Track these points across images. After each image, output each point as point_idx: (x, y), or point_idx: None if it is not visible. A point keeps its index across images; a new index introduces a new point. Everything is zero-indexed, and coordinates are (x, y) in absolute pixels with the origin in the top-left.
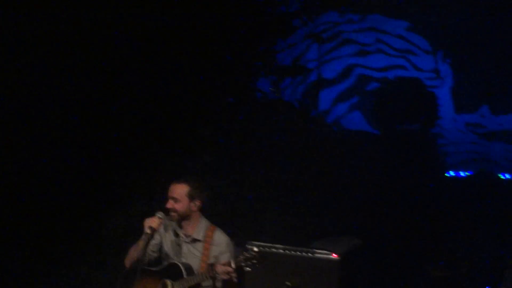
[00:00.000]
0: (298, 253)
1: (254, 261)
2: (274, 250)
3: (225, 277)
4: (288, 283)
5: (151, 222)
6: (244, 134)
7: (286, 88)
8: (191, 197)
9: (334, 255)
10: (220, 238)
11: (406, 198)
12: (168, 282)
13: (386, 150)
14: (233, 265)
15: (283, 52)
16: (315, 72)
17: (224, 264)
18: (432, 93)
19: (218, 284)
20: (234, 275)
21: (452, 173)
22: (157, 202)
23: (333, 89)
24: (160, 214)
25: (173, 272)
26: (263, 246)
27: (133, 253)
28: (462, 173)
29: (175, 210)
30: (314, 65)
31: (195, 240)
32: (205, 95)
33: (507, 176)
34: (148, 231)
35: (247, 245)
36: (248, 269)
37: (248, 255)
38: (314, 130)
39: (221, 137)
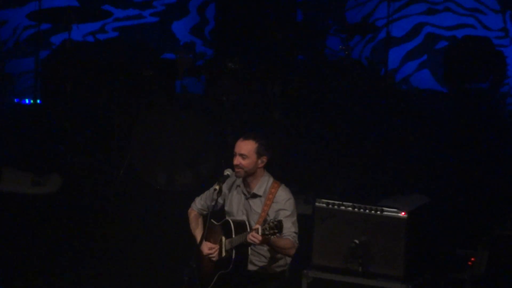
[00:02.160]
0: (367, 210)
1: (276, 231)
2: (342, 207)
3: (251, 238)
4: (356, 240)
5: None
6: (313, 91)
7: (355, 46)
8: (258, 154)
9: (402, 213)
10: (281, 195)
11: (474, 157)
12: (223, 239)
13: (454, 108)
14: (260, 231)
15: (353, 10)
16: (384, 30)
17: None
18: (500, 52)
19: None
20: (258, 240)
21: None
22: (225, 159)
23: (402, 47)
24: (228, 171)
25: (227, 229)
26: (332, 204)
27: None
28: None
29: (242, 166)
30: (383, 23)
31: (255, 196)
32: (276, 53)
33: None
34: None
35: (316, 202)
36: (272, 236)
37: (271, 225)
38: (383, 88)
39: (290, 95)
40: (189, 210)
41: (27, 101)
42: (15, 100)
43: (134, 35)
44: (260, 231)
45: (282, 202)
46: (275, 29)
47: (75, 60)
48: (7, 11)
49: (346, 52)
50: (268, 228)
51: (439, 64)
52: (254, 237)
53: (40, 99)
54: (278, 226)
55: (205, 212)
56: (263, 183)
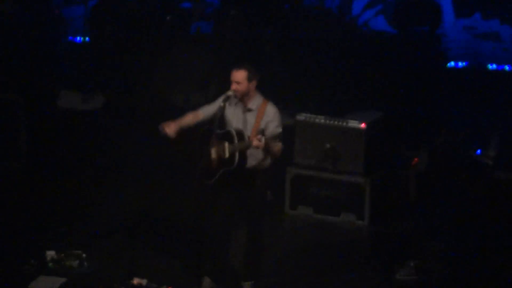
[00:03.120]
0: (336, 122)
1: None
2: (317, 120)
3: (256, 143)
4: (328, 145)
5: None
6: (295, 32)
7: None
8: (249, 79)
9: (362, 124)
10: (270, 110)
11: (418, 81)
12: (226, 144)
13: (403, 46)
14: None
15: None
16: None
17: (259, 134)
18: (437, 2)
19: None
20: (261, 142)
21: (452, 63)
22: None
23: None
24: (230, 92)
25: (229, 136)
26: (309, 117)
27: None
28: (460, 63)
29: (237, 90)
30: None
31: (250, 110)
32: (267, 3)
33: (493, 66)
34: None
35: (297, 115)
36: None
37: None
38: (349, 30)
39: (278, 34)
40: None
41: (78, 38)
42: (69, 38)
43: None
44: (263, 138)
45: (271, 115)
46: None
47: (114, 9)
48: None
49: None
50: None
51: (391, 11)
52: (260, 140)
53: (88, 37)
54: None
55: (203, 117)
56: (255, 101)
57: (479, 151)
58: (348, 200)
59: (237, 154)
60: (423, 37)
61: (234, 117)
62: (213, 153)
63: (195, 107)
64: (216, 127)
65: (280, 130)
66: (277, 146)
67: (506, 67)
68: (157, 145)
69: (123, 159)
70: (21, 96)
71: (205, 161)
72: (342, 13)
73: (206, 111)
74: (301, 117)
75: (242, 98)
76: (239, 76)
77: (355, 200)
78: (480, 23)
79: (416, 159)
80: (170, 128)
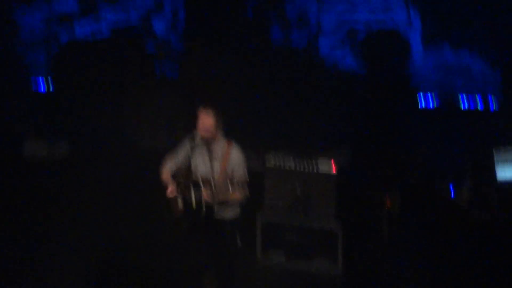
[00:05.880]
0: (305, 168)
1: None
2: (287, 167)
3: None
4: (298, 190)
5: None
6: (264, 74)
7: (293, 37)
8: (217, 125)
9: (333, 171)
10: (235, 154)
11: (389, 119)
12: (192, 194)
13: (373, 83)
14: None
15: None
16: (315, 25)
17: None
18: (406, 39)
19: (233, 191)
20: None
21: (423, 103)
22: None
23: (330, 38)
24: (196, 134)
25: (195, 185)
26: (278, 163)
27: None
28: (431, 102)
29: (205, 137)
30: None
31: (215, 154)
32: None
33: (464, 99)
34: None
35: (266, 163)
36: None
37: (242, 179)
38: (316, 69)
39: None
40: (162, 169)
41: (42, 88)
42: (33, 86)
43: (123, 33)
44: (212, 191)
45: (236, 160)
46: (231, 25)
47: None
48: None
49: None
50: (219, 188)
51: (359, 50)
52: (209, 195)
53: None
54: (226, 188)
55: (173, 168)
56: (219, 143)
57: (452, 187)
58: (321, 245)
59: (203, 203)
60: (392, 74)
61: (200, 163)
62: (180, 202)
63: (161, 149)
64: (181, 175)
65: (245, 175)
66: (239, 195)
67: (478, 99)
68: (124, 189)
69: (91, 204)
70: None
71: (171, 211)
72: (309, 53)
73: (177, 160)
74: (270, 164)
75: (208, 144)
76: (208, 122)
77: (328, 245)
78: (450, 55)
79: (389, 201)
80: (172, 191)
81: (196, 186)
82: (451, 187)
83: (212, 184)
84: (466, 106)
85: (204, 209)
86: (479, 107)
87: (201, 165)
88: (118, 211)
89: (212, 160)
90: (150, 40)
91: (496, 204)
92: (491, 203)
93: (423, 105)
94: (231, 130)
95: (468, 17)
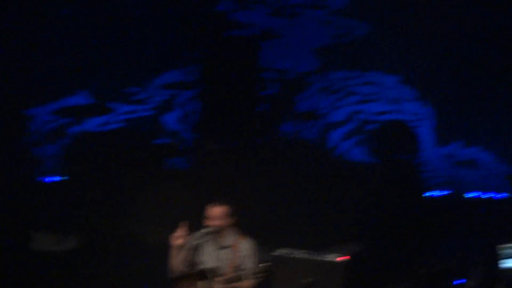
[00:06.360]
0: (312, 257)
1: (260, 275)
2: (293, 256)
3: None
4: (304, 281)
5: (175, 238)
6: (273, 166)
7: (304, 129)
8: (229, 216)
9: (339, 259)
10: (245, 245)
11: (397, 213)
12: (200, 285)
13: (382, 175)
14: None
15: (302, 101)
16: (326, 117)
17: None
18: (415, 131)
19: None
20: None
21: (431, 193)
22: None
23: (340, 130)
24: (208, 228)
25: (203, 276)
26: (285, 253)
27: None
28: (438, 193)
29: (217, 226)
30: (325, 111)
31: (225, 247)
32: (244, 137)
33: (472, 194)
34: (174, 246)
35: (273, 252)
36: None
37: (256, 270)
38: (325, 162)
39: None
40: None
41: (47, 179)
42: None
43: (133, 125)
44: (222, 281)
45: (247, 250)
46: (243, 119)
47: (87, 148)
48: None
49: (295, 135)
50: (229, 279)
51: (369, 142)
52: (219, 284)
53: (60, 177)
54: (237, 278)
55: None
56: (230, 237)
57: (459, 281)
58: None
59: None
60: (401, 166)
61: (208, 256)
62: None
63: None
64: (187, 266)
65: (255, 262)
66: (247, 283)
67: (484, 195)
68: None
69: None
70: None
71: None
72: (319, 144)
73: (185, 251)
74: (277, 252)
75: (218, 235)
76: (219, 212)
77: None
78: (460, 151)
79: None
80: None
81: (203, 275)
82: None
83: (220, 274)
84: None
85: None
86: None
87: (209, 256)
88: None
89: (220, 250)
90: (160, 131)
91: None
92: None
93: (433, 195)
94: (242, 223)
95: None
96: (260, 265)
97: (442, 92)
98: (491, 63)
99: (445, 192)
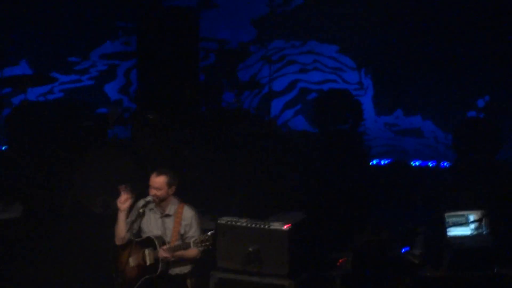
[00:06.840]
0: (258, 225)
1: (207, 243)
2: (239, 223)
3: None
4: (250, 248)
5: (121, 203)
6: (214, 135)
7: (245, 99)
8: (169, 185)
9: (285, 227)
10: (187, 213)
11: (339, 182)
12: (147, 252)
13: (324, 145)
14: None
15: (243, 71)
16: (267, 86)
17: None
18: (357, 100)
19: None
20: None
21: (374, 162)
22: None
23: (281, 99)
24: (149, 197)
25: (150, 243)
26: (230, 221)
27: (116, 230)
28: (382, 162)
29: (157, 196)
30: (266, 81)
31: (167, 215)
32: (184, 106)
33: (416, 163)
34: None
35: (218, 220)
36: (201, 249)
37: (203, 238)
38: (267, 131)
39: (196, 138)
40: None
41: None
42: None
43: (75, 95)
44: (168, 249)
45: (188, 219)
46: (184, 88)
47: (28, 117)
48: None
49: (238, 104)
50: (200, 241)
51: (310, 111)
52: (165, 252)
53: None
54: (183, 246)
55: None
56: (172, 205)
57: (404, 249)
58: None
59: (160, 261)
60: (343, 135)
61: (152, 224)
62: (132, 261)
63: (114, 213)
64: (132, 234)
65: (198, 231)
66: (193, 253)
67: (430, 164)
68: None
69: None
70: None
71: (122, 271)
72: (260, 114)
73: (129, 220)
74: (222, 221)
75: (160, 204)
76: (159, 181)
77: None
78: (402, 120)
79: (341, 260)
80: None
81: (150, 242)
82: (403, 248)
83: (165, 241)
84: (418, 164)
85: (160, 266)
86: (430, 165)
87: (153, 224)
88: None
89: (163, 219)
90: (102, 100)
91: (447, 262)
92: (442, 261)
93: (374, 163)
94: (185, 192)
95: (421, 85)
96: (205, 233)
97: (380, 61)
98: (428, 31)
99: (388, 161)
